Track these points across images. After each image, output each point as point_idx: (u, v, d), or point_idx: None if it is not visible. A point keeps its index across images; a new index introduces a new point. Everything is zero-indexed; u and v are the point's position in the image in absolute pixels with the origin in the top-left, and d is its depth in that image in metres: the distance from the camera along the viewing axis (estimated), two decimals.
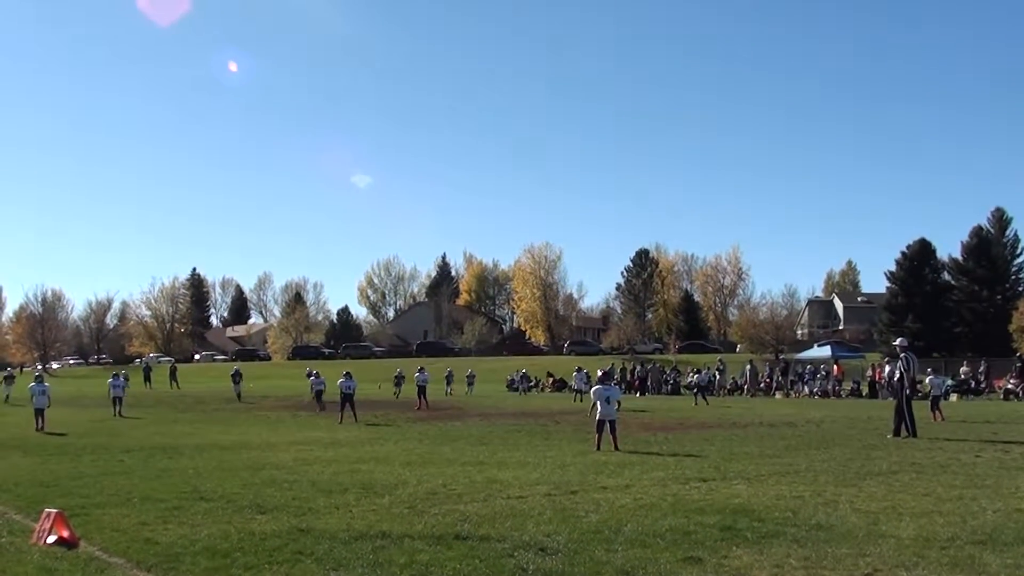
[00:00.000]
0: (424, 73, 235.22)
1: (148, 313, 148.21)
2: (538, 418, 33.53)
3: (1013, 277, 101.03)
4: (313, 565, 9.10)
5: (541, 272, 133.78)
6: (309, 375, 47.91)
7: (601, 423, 21.72)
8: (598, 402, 22.09)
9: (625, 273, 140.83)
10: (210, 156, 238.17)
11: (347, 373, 36.19)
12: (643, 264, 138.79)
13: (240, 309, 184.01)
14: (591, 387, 43.62)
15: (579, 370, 53.83)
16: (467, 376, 63.37)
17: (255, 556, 9.47)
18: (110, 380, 41.29)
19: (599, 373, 25.32)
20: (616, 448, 21.14)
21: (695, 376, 52.11)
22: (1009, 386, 48.84)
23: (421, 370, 44.73)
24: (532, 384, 68.76)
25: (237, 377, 52.04)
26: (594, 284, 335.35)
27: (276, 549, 9.78)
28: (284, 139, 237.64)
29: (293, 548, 9.82)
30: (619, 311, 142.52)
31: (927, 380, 31.47)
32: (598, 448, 21.32)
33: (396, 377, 56.30)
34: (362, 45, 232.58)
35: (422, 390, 42.71)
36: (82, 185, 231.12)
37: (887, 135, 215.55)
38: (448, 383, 58.90)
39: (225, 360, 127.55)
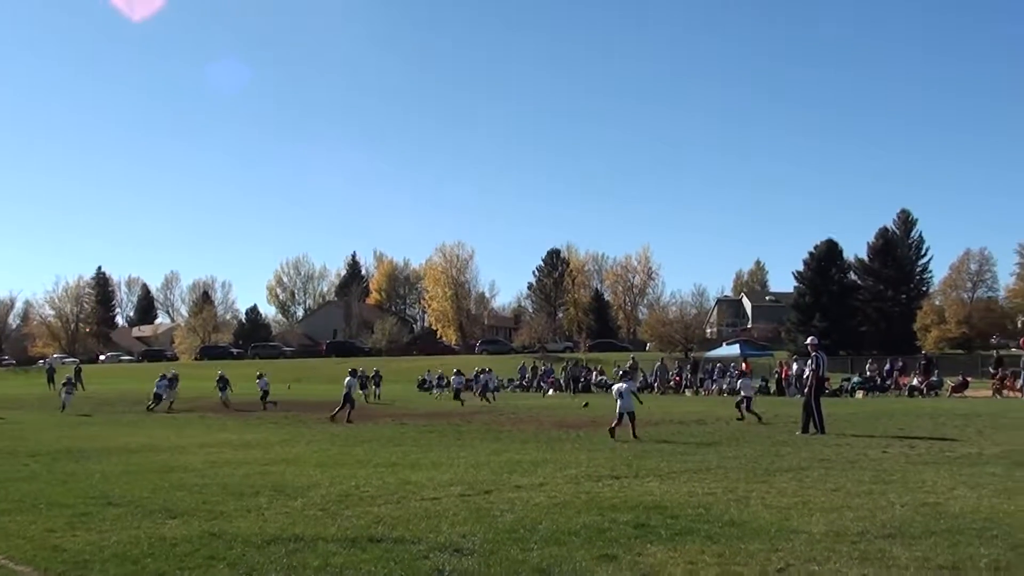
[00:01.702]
0: (330, 68, 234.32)
1: (52, 313, 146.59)
2: (450, 418, 33.41)
3: (918, 277, 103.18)
4: (226, 570, 8.95)
5: (453, 271, 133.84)
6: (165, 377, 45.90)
7: (620, 415, 23.68)
8: (617, 398, 24.11)
9: (536, 272, 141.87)
10: (113, 152, 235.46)
11: (353, 370, 37.64)
12: (554, 264, 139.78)
13: (146, 309, 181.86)
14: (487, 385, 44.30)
15: (488, 371, 53.84)
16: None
17: (166, 562, 9.28)
18: None
19: (618, 372, 29.58)
20: (634, 436, 23.05)
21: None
22: (914, 383, 49.65)
23: (260, 376, 43.72)
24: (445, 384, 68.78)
25: (174, 383, 45.38)
26: (506, 283, 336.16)
27: (188, 554, 9.59)
28: (189, 135, 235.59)
29: (205, 553, 9.64)
30: (530, 310, 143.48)
31: (738, 383, 31.76)
32: (611, 435, 23.30)
33: (373, 377, 53.58)
34: (264, 40, 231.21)
35: (265, 395, 42.07)
36: None
37: (795, 136, 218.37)
38: (376, 384, 56.22)
39: (131, 361, 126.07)
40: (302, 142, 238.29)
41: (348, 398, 33.70)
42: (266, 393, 42.16)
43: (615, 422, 23.86)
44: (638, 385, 33.34)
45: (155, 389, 42.95)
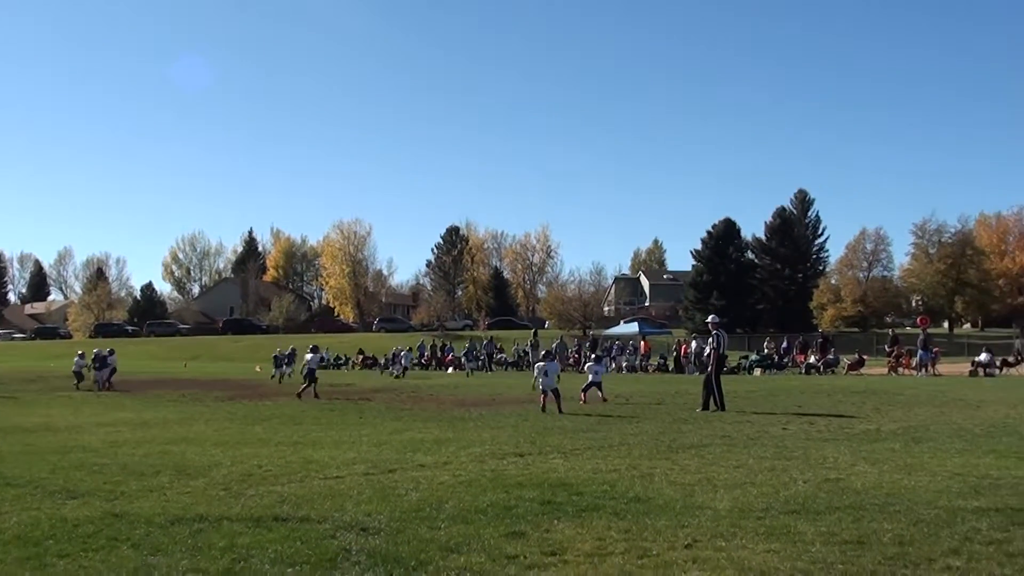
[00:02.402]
0: (225, 44, 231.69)
1: None
2: (350, 396, 33.31)
3: (814, 256, 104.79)
4: (130, 551, 8.81)
5: (350, 248, 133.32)
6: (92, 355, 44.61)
7: (545, 392, 25.11)
8: (539, 376, 26.03)
9: (435, 250, 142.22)
10: (3, 127, 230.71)
11: (315, 347, 36.86)
12: (453, 241, 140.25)
13: (39, 285, 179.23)
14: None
15: (407, 350, 54.15)
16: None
17: (69, 544, 9.12)
18: None
19: (542, 352, 30.22)
20: (560, 411, 24.26)
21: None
22: (811, 361, 50.40)
23: (111, 352, 42.48)
24: (343, 361, 68.66)
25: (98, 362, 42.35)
26: (404, 261, 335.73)
27: (90, 535, 9.44)
28: (83, 110, 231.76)
29: (108, 534, 9.49)
30: (429, 288, 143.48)
31: (586, 366, 31.64)
32: (543, 410, 24.64)
33: (276, 358, 48.62)
34: (163, 17, 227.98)
35: (112, 372, 41.10)
36: None
37: (693, 116, 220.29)
38: (289, 363, 50.16)
39: (24, 338, 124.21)
40: (198, 117, 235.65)
41: (311, 375, 33.76)
42: (113, 371, 41.22)
43: (542, 399, 25.18)
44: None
45: (73, 367, 42.33)
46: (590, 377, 28.85)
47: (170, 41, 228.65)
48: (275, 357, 48.33)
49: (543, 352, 30.49)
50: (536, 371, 27.13)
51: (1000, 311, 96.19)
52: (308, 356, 34.84)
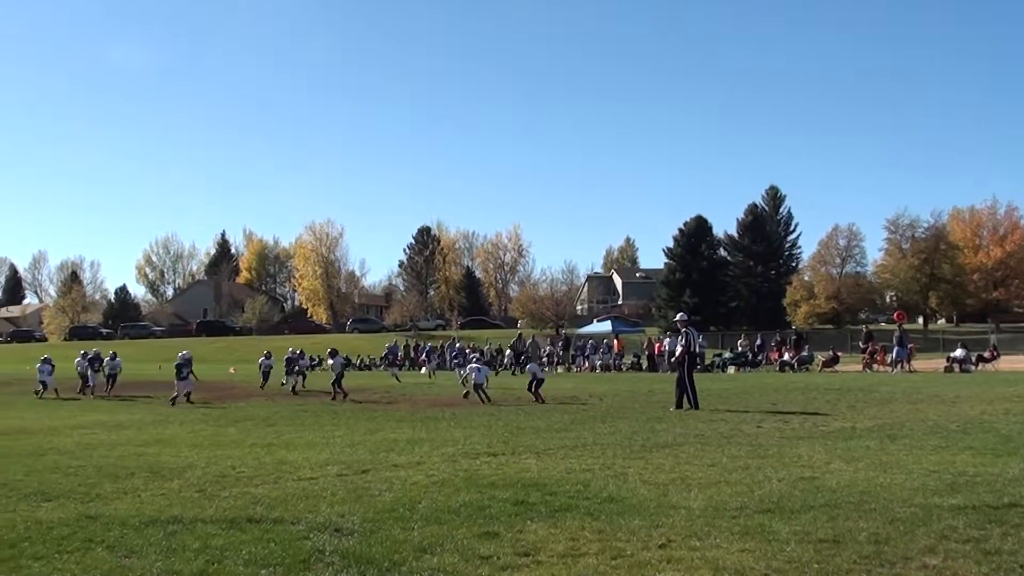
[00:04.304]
0: (199, 40, 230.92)
1: None
2: (323, 398, 33.29)
3: (787, 253, 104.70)
4: (105, 553, 8.83)
5: (323, 249, 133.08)
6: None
7: (476, 385, 29.66)
8: (472, 372, 30.43)
9: (407, 250, 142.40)
10: None
11: (334, 350, 37.24)
12: (425, 241, 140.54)
13: (14, 289, 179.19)
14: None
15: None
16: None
17: (44, 545, 9.14)
18: None
19: (475, 355, 38.26)
20: (489, 400, 28.69)
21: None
22: (785, 358, 50.50)
23: (112, 355, 40.83)
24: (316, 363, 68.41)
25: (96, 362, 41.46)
26: (377, 261, 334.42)
27: (65, 537, 9.46)
28: (54, 111, 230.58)
29: (83, 536, 9.51)
30: (402, 288, 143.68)
31: (527, 368, 32.04)
32: (465, 396, 30.41)
33: (288, 360, 40.90)
34: (138, 11, 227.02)
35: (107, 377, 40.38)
36: None
37: (664, 113, 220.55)
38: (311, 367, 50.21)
39: (0, 342, 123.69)
40: (170, 119, 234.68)
41: (339, 379, 34.33)
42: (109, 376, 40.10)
43: (476, 394, 29.47)
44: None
45: (39, 376, 40.44)
46: (534, 375, 29.42)
47: (141, 43, 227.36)
48: (287, 360, 40.95)
49: (476, 356, 36.95)
50: (468, 370, 31.68)
51: (975, 306, 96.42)
52: (330, 361, 35.57)
